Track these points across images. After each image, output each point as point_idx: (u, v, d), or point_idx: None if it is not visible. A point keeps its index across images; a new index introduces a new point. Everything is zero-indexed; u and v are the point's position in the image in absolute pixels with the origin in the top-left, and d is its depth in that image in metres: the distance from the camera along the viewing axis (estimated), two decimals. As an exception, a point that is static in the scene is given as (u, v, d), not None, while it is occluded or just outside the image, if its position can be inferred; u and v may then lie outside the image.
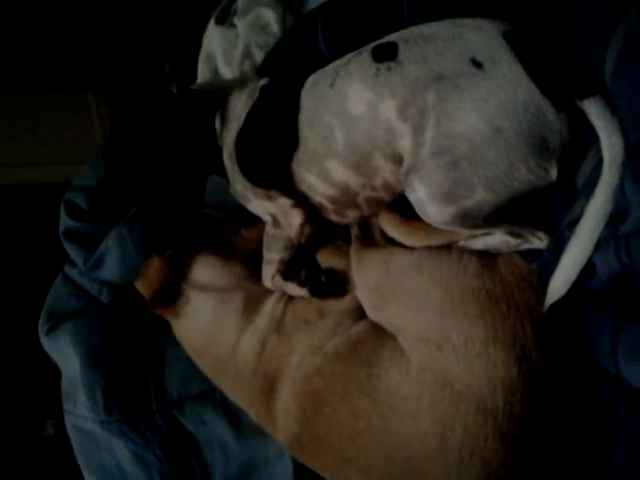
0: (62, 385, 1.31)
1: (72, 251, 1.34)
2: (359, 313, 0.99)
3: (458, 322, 0.82)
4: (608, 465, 0.81)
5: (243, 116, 0.99)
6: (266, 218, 1.05)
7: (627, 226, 0.71)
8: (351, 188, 0.93)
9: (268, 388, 0.99)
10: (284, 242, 1.03)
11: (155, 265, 1.11)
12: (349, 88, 0.85)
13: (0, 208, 2.66)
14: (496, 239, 0.88)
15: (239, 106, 1.01)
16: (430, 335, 0.84)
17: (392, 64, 0.80)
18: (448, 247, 0.91)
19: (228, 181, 1.07)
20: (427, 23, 0.83)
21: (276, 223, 1.03)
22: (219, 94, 1.04)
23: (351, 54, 0.89)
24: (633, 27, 0.67)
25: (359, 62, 0.85)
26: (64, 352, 1.25)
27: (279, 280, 1.05)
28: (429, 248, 0.92)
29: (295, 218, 1.00)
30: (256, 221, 1.14)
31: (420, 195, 0.81)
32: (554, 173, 0.75)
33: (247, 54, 1.35)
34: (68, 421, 1.27)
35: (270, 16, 1.33)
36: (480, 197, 0.77)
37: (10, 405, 2.61)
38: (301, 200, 1.00)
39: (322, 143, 0.90)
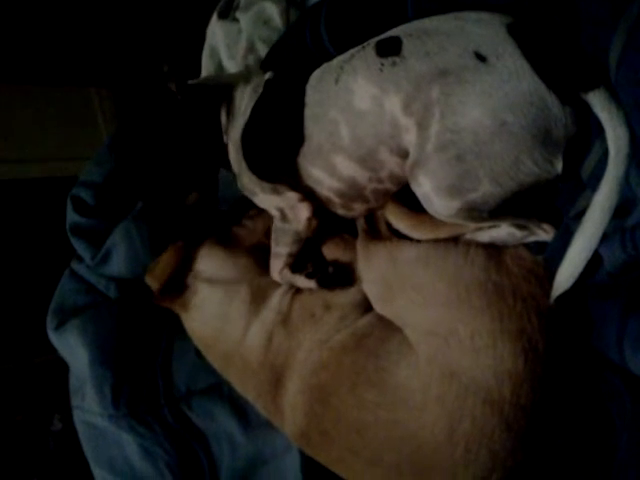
0: (70, 380, 1.32)
1: (79, 247, 1.34)
2: (365, 306, 1.00)
3: (465, 315, 0.82)
4: (614, 455, 0.81)
5: (249, 110, 0.99)
6: (274, 212, 1.05)
7: (633, 218, 0.71)
8: (358, 181, 0.94)
9: (275, 381, 1.00)
10: (292, 236, 1.04)
11: (165, 257, 1.12)
12: (354, 84, 0.85)
13: (5, 204, 2.66)
14: (502, 232, 0.88)
15: (244, 100, 1.01)
16: (437, 328, 0.84)
17: (396, 59, 0.80)
18: (455, 240, 0.91)
19: (235, 175, 1.07)
20: (430, 17, 0.83)
21: (284, 217, 1.03)
22: (223, 88, 1.04)
23: (354, 49, 0.89)
24: (636, 19, 0.67)
25: (363, 57, 0.85)
26: (72, 347, 1.26)
27: (287, 273, 1.06)
28: (436, 241, 0.92)
29: (302, 212, 1.00)
30: (260, 213, 1.14)
31: (426, 189, 0.81)
32: (559, 166, 0.75)
33: (251, 48, 1.34)
34: (76, 416, 1.28)
35: (273, 10, 1.32)
36: (486, 190, 0.78)
37: (18, 400, 2.62)
38: (308, 194, 1.00)
39: (328, 138, 0.90)
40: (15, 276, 2.68)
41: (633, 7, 0.68)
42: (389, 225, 1.03)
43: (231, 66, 1.40)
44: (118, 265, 1.30)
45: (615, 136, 0.69)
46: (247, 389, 1.07)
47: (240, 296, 1.08)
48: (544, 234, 0.86)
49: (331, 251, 1.10)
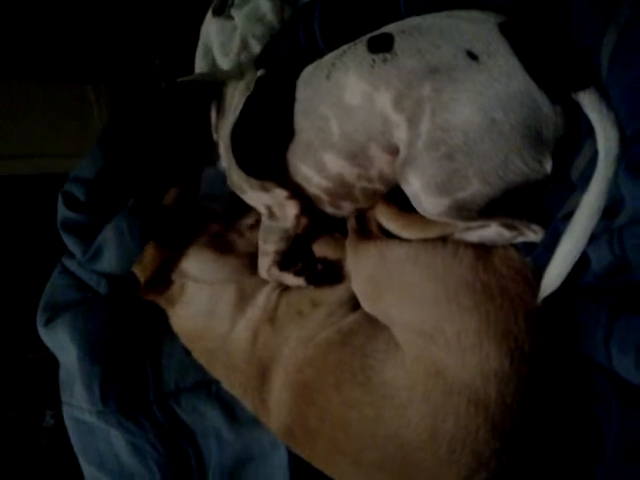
0: (60, 376, 1.32)
1: (70, 242, 1.34)
2: (352, 304, 1.00)
3: (452, 314, 0.82)
4: (600, 458, 0.81)
5: (239, 107, 0.99)
6: (262, 209, 1.05)
7: (621, 219, 0.70)
8: (346, 180, 0.94)
9: (261, 377, 1.00)
10: (280, 233, 1.04)
11: (150, 251, 1.12)
12: (345, 79, 0.85)
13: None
14: (491, 231, 0.88)
15: (235, 98, 1.01)
16: (424, 327, 0.84)
17: (387, 55, 0.80)
18: (444, 240, 0.91)
19: (225, 172, 1.07)
20: (423, 15, 0.83)
21: (272, 214, 1.03)
22: (214, 85, 1.04)
23: (346, 45, 0.89)
24: (628, 19, 0.67)
25: (355, 53, 0.85)
26: (62, 343, 1.25)
27: (275, 271, 1.06)
28: (425, 240, 0.92)
29: (290, 209, 1.00)
30: (254, 215, 1.14)
31: (415, 188, 0.81)
32: (549, 166, 0.75)
33: (244, 46, 1.34)
34: (65, 412, 1.28)
35: (267, 7, 1.32)
36: (475, 189, 0.78)
37: (9, 396, 2.62)
38: (296, 192, 1.00)
39: (317, 134, 0.90)
40: (7, 272, 2.67)
41: (624, 7, 0.68)
42: (379, 225, 1.03)
43: (225, 64, 1.40)
44: (109, 261, 1.29)
45: (605, 137, 0.69)
46: (234, 385, 1.07)
47: (227, 295, 1.08)
48: (533, 235, 0.86)
49: (321, 248, 1.10)
